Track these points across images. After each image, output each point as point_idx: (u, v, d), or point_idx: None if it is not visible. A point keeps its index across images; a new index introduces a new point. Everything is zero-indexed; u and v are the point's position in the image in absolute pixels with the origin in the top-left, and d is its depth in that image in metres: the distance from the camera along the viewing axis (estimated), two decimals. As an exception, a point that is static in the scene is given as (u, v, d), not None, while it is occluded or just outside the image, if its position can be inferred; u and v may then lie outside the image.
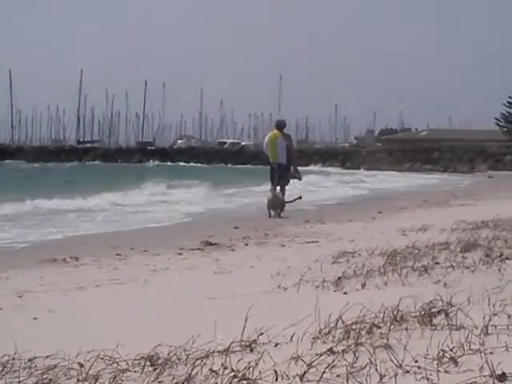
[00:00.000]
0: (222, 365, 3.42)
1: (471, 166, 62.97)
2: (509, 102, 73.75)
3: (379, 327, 3.90)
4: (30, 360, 3.70)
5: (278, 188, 15.86)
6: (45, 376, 3.48)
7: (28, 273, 7.66)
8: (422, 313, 4.10)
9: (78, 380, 3.43)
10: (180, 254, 8.87)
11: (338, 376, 3.20)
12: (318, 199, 21.75)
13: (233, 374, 3.28)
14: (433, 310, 4.14)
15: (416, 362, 3.29)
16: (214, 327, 4.00)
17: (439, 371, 3.18)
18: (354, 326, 3.86)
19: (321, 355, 3.42)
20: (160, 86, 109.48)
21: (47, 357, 3.72)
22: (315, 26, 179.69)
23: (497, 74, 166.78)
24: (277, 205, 15.28)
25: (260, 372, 3.26)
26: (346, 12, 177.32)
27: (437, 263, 6.36)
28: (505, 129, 73.36)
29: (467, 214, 12.51)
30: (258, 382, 3.20)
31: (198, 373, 3.35)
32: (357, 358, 3.35)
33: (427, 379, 3.12)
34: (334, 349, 3.52)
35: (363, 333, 3.78)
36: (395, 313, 4.10)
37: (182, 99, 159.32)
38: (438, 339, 3.52)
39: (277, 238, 10.41)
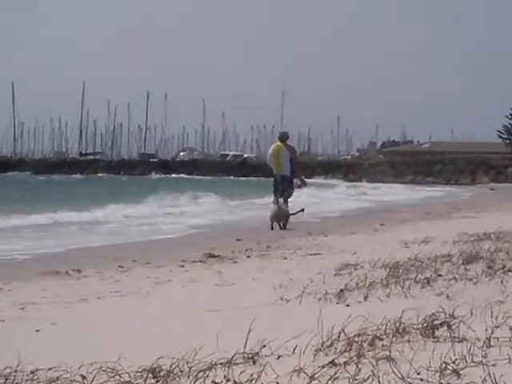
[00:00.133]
0: (225, 377, 3.42)
1: (473, 178, 62.94)
2: (511, 114, 73.70)
3: (381, 339, 3.90)
4: (32, 372, 3.69)
5: (281, 200, 15.85)
6: (47, 388, 3.48)
7: (30, 285, 7.66)
8: (425, 325, 4.09)
9: (81, 392, 3.43)
10: (182, 266, 8.87)
11: (340, 388, 3.20)
12: (321, 211, 21.73)
13: (235, 386, 3.29)
14: (435, 322, 4.14)
15: (418, 374, 3.29)
16: (217, 339, 4.00)
17: (442, 383, 3.18)
18: (356, 338, 3.86)
19: (323, 367, 3.42)
20: (162, 98, 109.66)
21: (50, 369, 3.72)
22: (318, 36, 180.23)
23: (499, 83, 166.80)
24: (281, 217, 15.27)
25: (262, 384, 3.27)
26: (348, 21, 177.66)
27: (439, 275, 6.36)
28: (507, 141, 73.12)
29: (469, 226, 12.51)
30: (261, 394, 3.21)
31: (200, 385, 3.35)
32: (359, 370, 3.35)
33: (430, 391, 3.12)
34: (337, 361, 3.52)
35: (365, 345, 3.78)
36: (398, 325, 4.10)
37: (183, 109, 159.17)
38: (441, 351, 3.52)
39: (279, 251, 10.41)
